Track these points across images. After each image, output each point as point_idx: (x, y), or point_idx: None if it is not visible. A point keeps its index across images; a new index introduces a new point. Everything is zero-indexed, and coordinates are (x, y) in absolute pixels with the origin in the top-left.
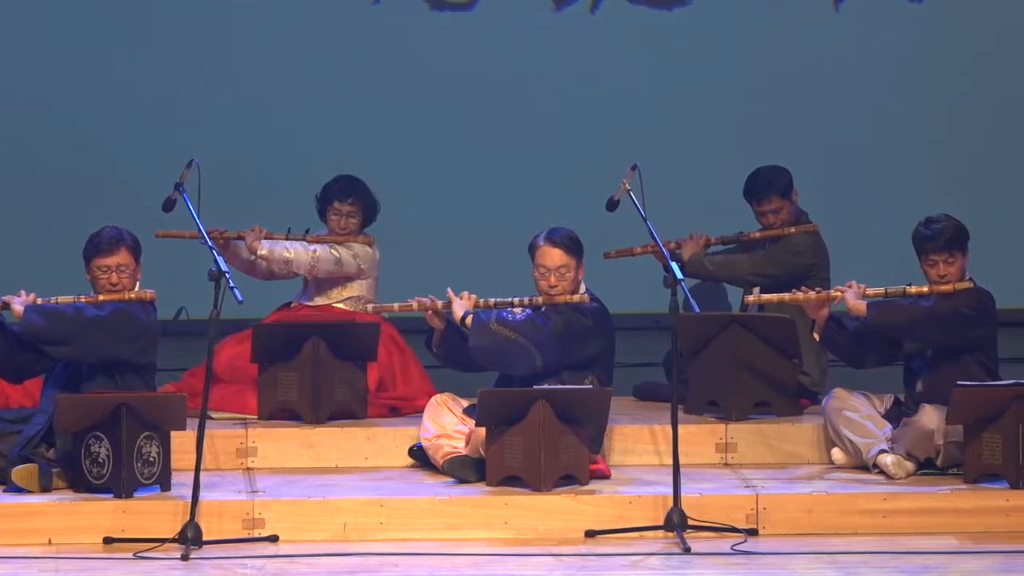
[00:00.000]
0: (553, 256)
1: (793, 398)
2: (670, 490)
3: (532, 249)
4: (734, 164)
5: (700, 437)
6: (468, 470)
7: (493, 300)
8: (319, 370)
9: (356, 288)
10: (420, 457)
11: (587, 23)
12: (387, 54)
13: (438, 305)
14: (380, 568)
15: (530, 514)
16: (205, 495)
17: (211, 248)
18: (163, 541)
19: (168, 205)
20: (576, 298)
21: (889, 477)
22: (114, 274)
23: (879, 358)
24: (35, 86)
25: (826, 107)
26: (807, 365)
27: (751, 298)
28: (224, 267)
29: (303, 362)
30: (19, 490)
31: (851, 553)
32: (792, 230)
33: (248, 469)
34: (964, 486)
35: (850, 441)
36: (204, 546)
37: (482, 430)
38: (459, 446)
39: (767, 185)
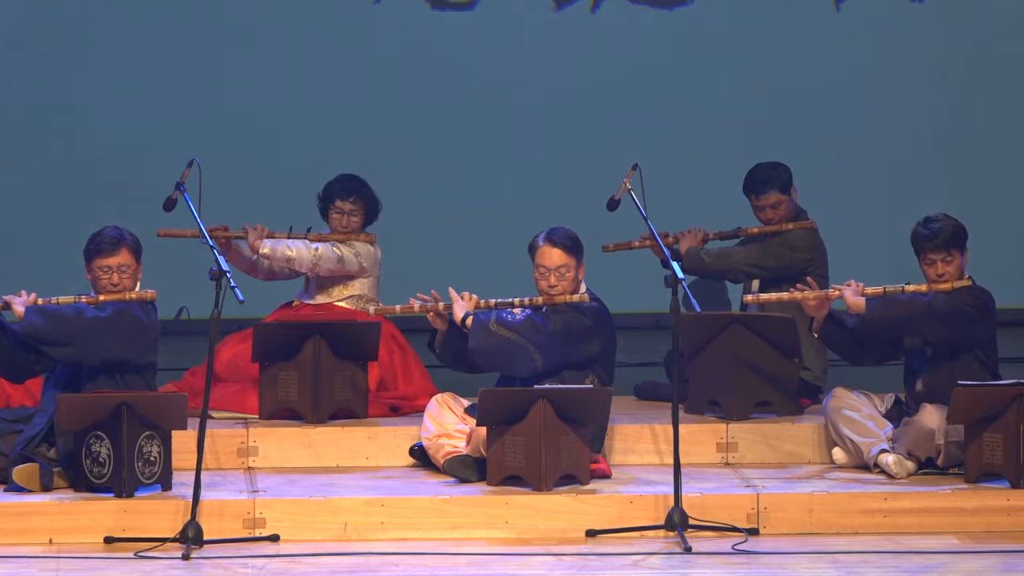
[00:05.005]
0: (553, 256)
1: (794, 397)
2: (671, 489)
3: (532, 249)
4: (735, 164)
5: (701, 436)
6: (469, 470)
7: (494, 301)
8: (320, 369)
9: (358, 286)
10: (421, 457)
11: (588, 23)
12: (387, 54)
13: (439, 306)
14: (381, 568)
15: (531, 514)
16: (206, 495)
17: (212, 247)
18: (164, 541)
19: (169, 204)
20: (576, 298)
21: (890, 477)
22: (115, 274)
23: (878, 356)
24: (35, 86)
25: (826, 107)
26: (809, 360)
27: (750, 297)
28: (225, 266)
29: (304, 361)
30: (20, 489)
31: (852, 553)
32: (790, 226)
33: (249, 469)
34: (965, 486)
35: (851, 441)
36: (205, 546)
37: (483, 430)
38: (460, 446)
39: (766, 179)
